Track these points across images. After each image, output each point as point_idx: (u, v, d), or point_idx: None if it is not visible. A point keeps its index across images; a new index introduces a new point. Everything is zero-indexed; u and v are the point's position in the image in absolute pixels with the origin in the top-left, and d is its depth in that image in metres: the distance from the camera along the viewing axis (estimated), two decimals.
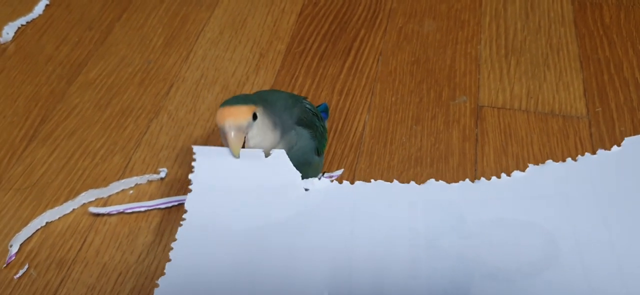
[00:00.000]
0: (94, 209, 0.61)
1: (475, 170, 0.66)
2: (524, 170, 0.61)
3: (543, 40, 0.83)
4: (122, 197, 0.64)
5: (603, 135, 0.70)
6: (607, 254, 0.50)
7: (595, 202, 0.53)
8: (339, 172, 0.65)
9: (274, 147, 0.55)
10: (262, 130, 0.54)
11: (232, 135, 0.52)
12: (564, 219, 0.51)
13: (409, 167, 0.66)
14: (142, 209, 0.61)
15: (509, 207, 0.53)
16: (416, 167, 0.66)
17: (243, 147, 0.54)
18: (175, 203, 0.62)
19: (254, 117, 0.53)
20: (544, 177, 0.56)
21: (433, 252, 0.50)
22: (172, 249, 0.52)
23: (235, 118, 0.52)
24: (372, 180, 0.60)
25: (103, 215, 0.61)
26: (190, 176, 0.56)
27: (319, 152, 0.60)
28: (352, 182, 0.59)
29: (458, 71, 0.79)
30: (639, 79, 0.77)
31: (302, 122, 0.57)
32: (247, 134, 0.53)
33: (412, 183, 0.59)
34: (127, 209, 0.61)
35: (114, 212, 0.60)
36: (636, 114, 0.72)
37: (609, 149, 0.61)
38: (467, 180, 0.57)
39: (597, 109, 0.73)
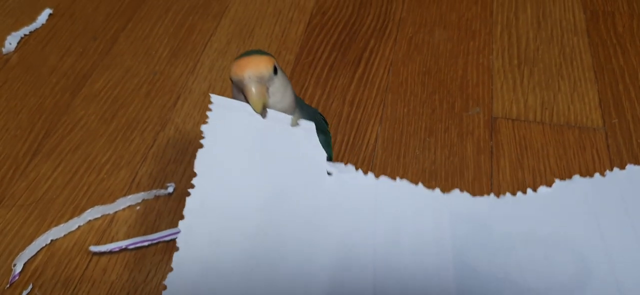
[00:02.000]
0: (94, 248, 0.58)
1: (491, 184, 0.64)
2: (544, 184, 0.59)
3: (556, 49, 0.82)
4: (129, 213, 0.62)
5: (620, 147, 0.68)
6: None
7: (627, 219, 0.51)
8: None
9: (290, 114, 0.50)
10: (283, 86, 0.48)
11: (253, 87, 0.46)
12: (595, 238, 0.50)
13: (424, 181, 0.65)
14: (146, 244, 0.58)
15: (537, 224, 0.51)
16: (431, 181, 0.65)
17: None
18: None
19: (275, 70, 0.47)
20: (572, 193, 0.54)
21: (461, 267, 0.48)
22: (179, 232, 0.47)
23: (256, 68, 0.45)
24: (398, 178, 0.57)
25: (104, 253, 0.58)
26: (203, 127, 0.49)
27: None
28: (376, 176, 0.55)
29: (470, 82, 0.77)
30: None
31: (318, 126, 0.54)
32: (268, 87, 0.47)
33: (438, 190, 0.57)
34: (129, 245, 0.58)
35: (116, 249, 0.58)
36: None
37: (628, 162, 0.59)
38: (492, 194, 0.55)
39: (613, 120, 0.71)
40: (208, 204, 0.47)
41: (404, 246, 0.49)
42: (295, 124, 0.49)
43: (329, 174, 0.51)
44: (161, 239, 0.58)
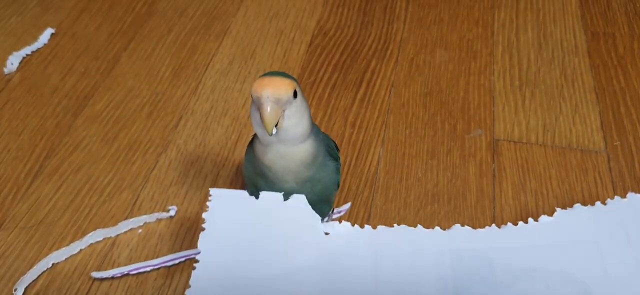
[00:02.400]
0: (96, 274, 0.57)
1: (494, 207, 0.64)
2: (546, 206, 0.59)
3: (557, 71, 0.82)
4: (130, 236, 0.62)
5: (622, 170, 0.68)
6: None
7: (628, 247, 0.51)
8: (347, 206, 0.64)
9: (304, 141, 0.50)
10: (300, 111, 0.48)
11: (268, 107, 0.46)
12: (597, 267, 0.50)
13: (426, 204, 0.65)
14: (148, 269, 0.57)
15: (538, 255, 0.51)
16: (433, 204, 0.64)
17: (276, 126, 0.47)
18: (183, 259, 0.59)
19: (294, 94, 0.47)
20: (573, 222, 0.54)
21: None
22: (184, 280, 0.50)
23: (275, 89, 0.46)
24: (395, 224, 0.58)
25: (106, 279, 0.57)
26: (204, 215, 0.54)
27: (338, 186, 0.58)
28: (369, 222, 0.57)
29: (472, 103, 0.77)
30: None
31: (328, 151, 0.54)
32: (284, 110, 0.47)
33: (437, 228, 0.58)
34: (131, 271, 0.57)
35: (118, 275, 0.57)
36: None
37: (630, 184, 0.59)
38: (493, 225, 0.55)
39: (615, 143, 0.72)
40: (211, 281, 0.50)
41: (406, 290, 0.50)
42: (301, 139, 0.50)
43: (326, 234, 0.54)
44: (163, 264, 0.58)
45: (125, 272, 0.57)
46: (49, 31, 0.88)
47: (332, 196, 0.57)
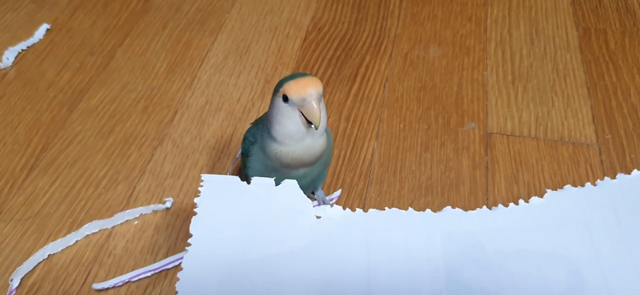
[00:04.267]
0: (97, 286, 0.56)
1: (487, 199, 0.65)
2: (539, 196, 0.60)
3: (549, 66, 0.83)
4: (127, 228, 0.62)
5: (614, 163, 0.69)
6: (633, 282, 0.48)
7: (618, 228, 0.52)
8: (337, 193, 0.64)
9: (324, 130, 0.55)
10: (323, 105, 0.54)
11: (315, 104, 0.51)
12: (587, 247, 0.50)
13: (420, 196, 0.65)
14: (149, 274, 0.57)
15: (529, 237, 0.52)
16: (427, 196, 0.65)
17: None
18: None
19: None
20: (563, 203, 0.55)
21: (454, 285, 0.49)
22: (178, 279, 0.51)
23: (316, 87, 0.51)
24: (387, 207, 0.59)
25: (108, 289, 0.57)
26: (196, 200, 0.55)
27: None
28: (364, 211, 0.58)
29: (465, 97, 0.78)
30: None
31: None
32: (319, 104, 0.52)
33: (428, 211, 0.58)
34: (133, 278, 0.57)
35: (120, 284, 0.56)
36: None
37: None
38: (484, 207, 0.56)
39: (606, 136, 0.72)
40: (203, 264, 0.51)
41: (397, 271, 0.50)
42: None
43: (318, 218, 0.55)
44: (164, 267, 0.58)
45: (126, 280, 0.56)
46: (44, 27, 0.88)
47: (330, 157, 0.62)
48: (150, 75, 0.81)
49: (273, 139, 0.54)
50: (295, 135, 0.53)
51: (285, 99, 0.52)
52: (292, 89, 0.51)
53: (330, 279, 0.50)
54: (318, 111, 0.51)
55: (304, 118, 0.52)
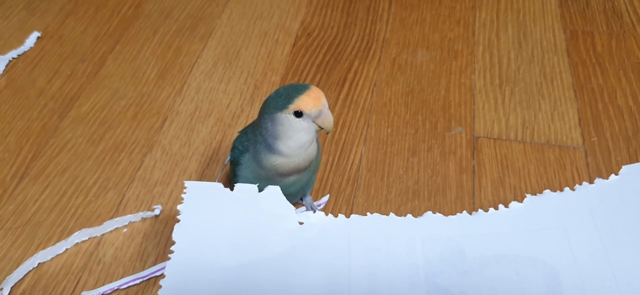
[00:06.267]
0: (87, 294, 0.56)
1: (473, 203, 0.66)
2: (521, 201, 0.61)
3: (536, 69, 0.83)
4: (116, 235, 0.62)
5: (600, 165, 0.70)
6: (610, 287, 0.49)
7: (595, 233, 0.52)
8: (325, 198, 0.65)
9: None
10: None
11: (329, 113, 0.54)
12: (565, 252, 0.51)
13: (407, 201, 0.66)
14: (138, 281, 0.58)
15: (508, 242, 0.52)
16: (414, 201, 0.66)
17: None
18: None
19: None
20: (542, 208, 0.55)
21: (434, 290, 0.49)
22: (160, 287, 0.51)
23: (325, 97, 0.53)
24: (368, 213, 0.59)
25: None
26: (179, 207, 0.55)
27: None
28: (349, 216, 0.58)
29: (453, 102, 0.79)
30: (632, 108, 0.77)
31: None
32: None
33: (409, 216, 0.59)
34: (122, 285, 0.57)
35: (109, 291, 0.57)
36: (631, 143, 0.72)
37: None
38: (464, 212, 0.57)
39: (593, 139, 0.73)
40: (186, 269, 0.51)
41: (378, 276, 0.51)
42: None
43: (300, 223, 0.55)
44: (152, 275, 0.58)
45: (115, 288, 0.57)
46: (35, 35, 0.89)
47: (319, 163, 0.63)
48: (141, 82, 0.82)
49: (276, 152, 0.54)
50: (306, 144, 0.55)
51: (298, 114, 0.52)
52: (309, 104, 0.52)
53: (312, 284, 0.50)
54: (332, 118, 0.54)
55: (316, 126, 0.54)
